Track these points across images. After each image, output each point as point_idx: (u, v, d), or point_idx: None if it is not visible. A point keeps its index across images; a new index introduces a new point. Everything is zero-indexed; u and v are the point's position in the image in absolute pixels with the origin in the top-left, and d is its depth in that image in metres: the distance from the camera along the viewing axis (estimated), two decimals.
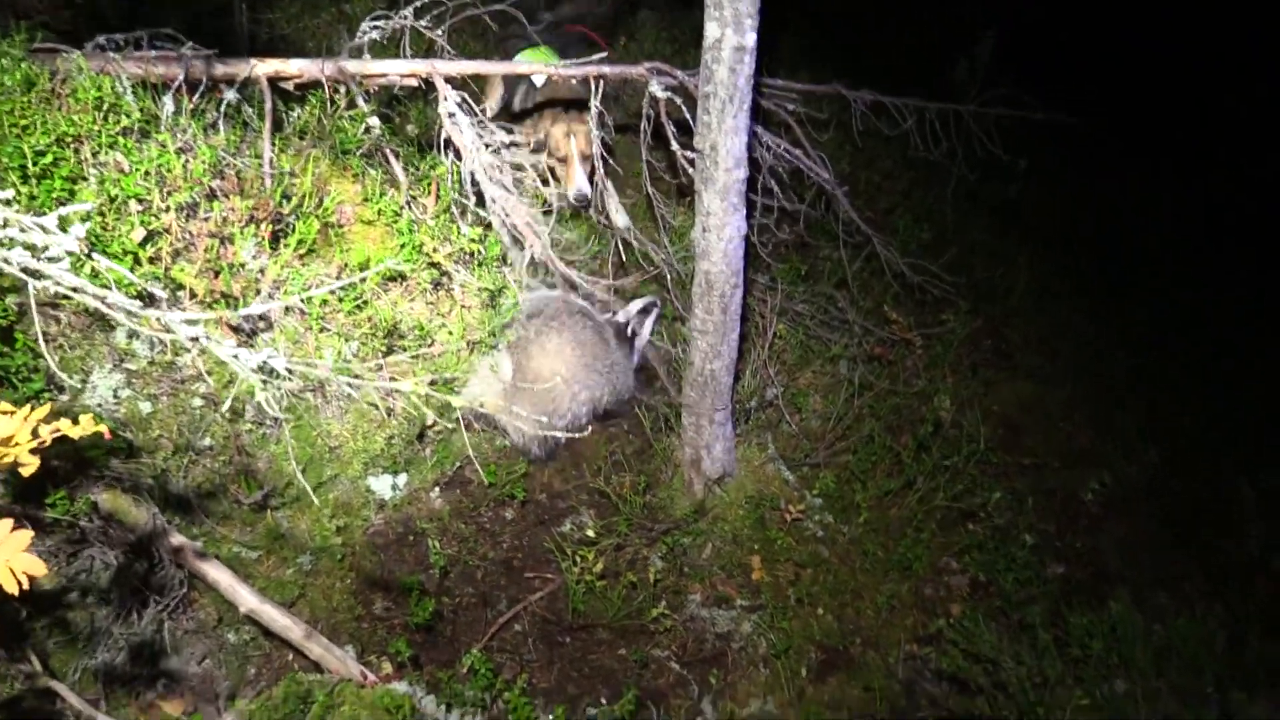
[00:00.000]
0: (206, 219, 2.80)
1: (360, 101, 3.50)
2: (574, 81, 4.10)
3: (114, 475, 2.57)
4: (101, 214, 2.61)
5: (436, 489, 3.57)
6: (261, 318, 2.96)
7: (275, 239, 3.09)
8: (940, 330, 4.27)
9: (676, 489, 3.53)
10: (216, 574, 2.76)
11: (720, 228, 2.92)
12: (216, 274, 2.79)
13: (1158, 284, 4.86)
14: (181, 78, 3.29)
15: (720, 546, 3.39)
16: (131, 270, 2.52)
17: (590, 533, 3.33)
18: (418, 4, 3.90)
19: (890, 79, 4.30)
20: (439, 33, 3.96)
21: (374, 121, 3.51)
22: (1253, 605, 3.41)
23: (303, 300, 3.04)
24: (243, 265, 2.86)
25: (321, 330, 3.07)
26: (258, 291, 2.87)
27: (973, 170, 4.47)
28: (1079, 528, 3.70)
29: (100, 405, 2.57)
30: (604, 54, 3.75)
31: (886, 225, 4.61)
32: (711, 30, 2.63)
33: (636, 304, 3.92)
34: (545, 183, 4.09)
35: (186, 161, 2.87)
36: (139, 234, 2.52)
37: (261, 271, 2.92)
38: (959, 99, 4.38)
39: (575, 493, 3.66)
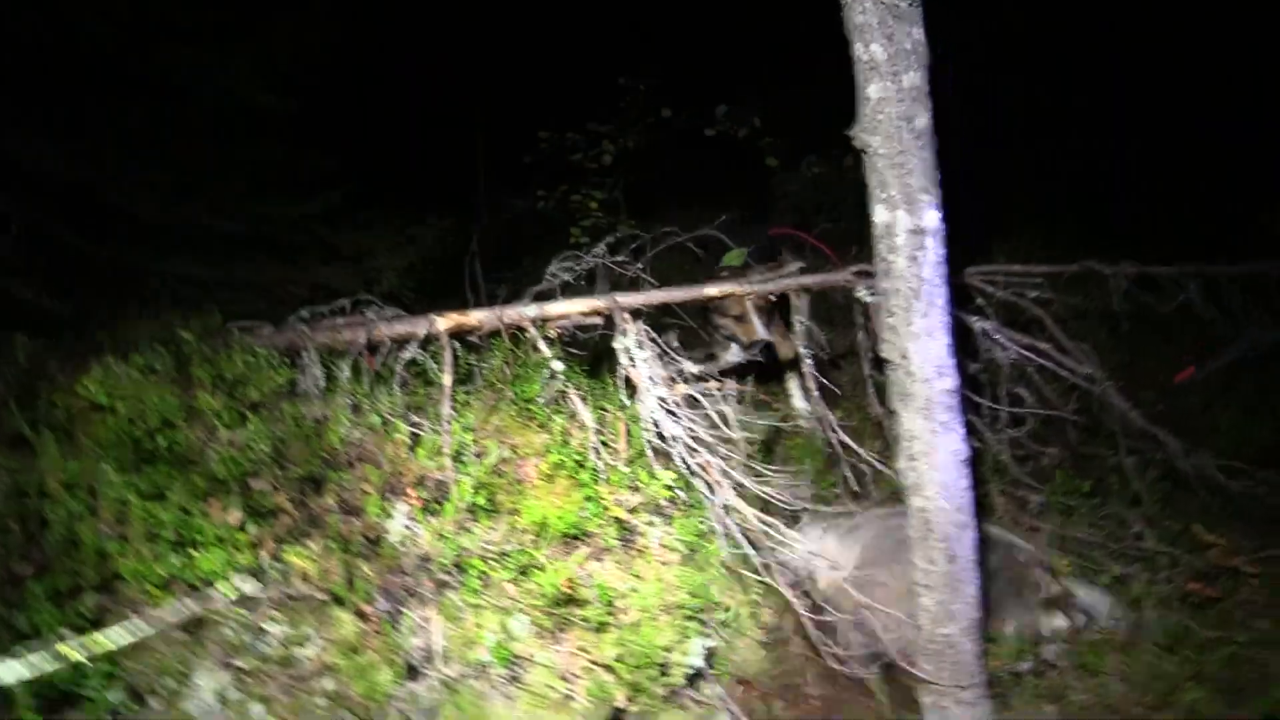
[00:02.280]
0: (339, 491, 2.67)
1: (543, 346, 3.38)
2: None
3: None
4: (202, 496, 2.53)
5: None
6: (410, 593, 2.73)
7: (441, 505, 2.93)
8: None
9: None
10: None
11: (929, 453, 2.44)
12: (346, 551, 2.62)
13: None
14: (363, 340, 3.35)
15: None
16: (228, 557, 2.39)
17: None
18: (611, 240, 3.86)
19: (1164, 247, 3.67)
20: (639, 266, 3.87)
21: (557, 366, 3.39)
22: None
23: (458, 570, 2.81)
24: (376, 540, 2.68)
25: (481, 606, 2.79)
26: (391, 569, 2.65)
27: None
28: None
29: (204, 711, 2.38)
30: (801, 264, 3.47)
31: (1202, 425, 3.81)
32: (880, 214, 2.28)
33: None
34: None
35: (320, 430, 2.79)
36: (235, 517, 2.40)
37: (405, 543, 2.72)
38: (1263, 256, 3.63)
39: None
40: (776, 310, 4.31)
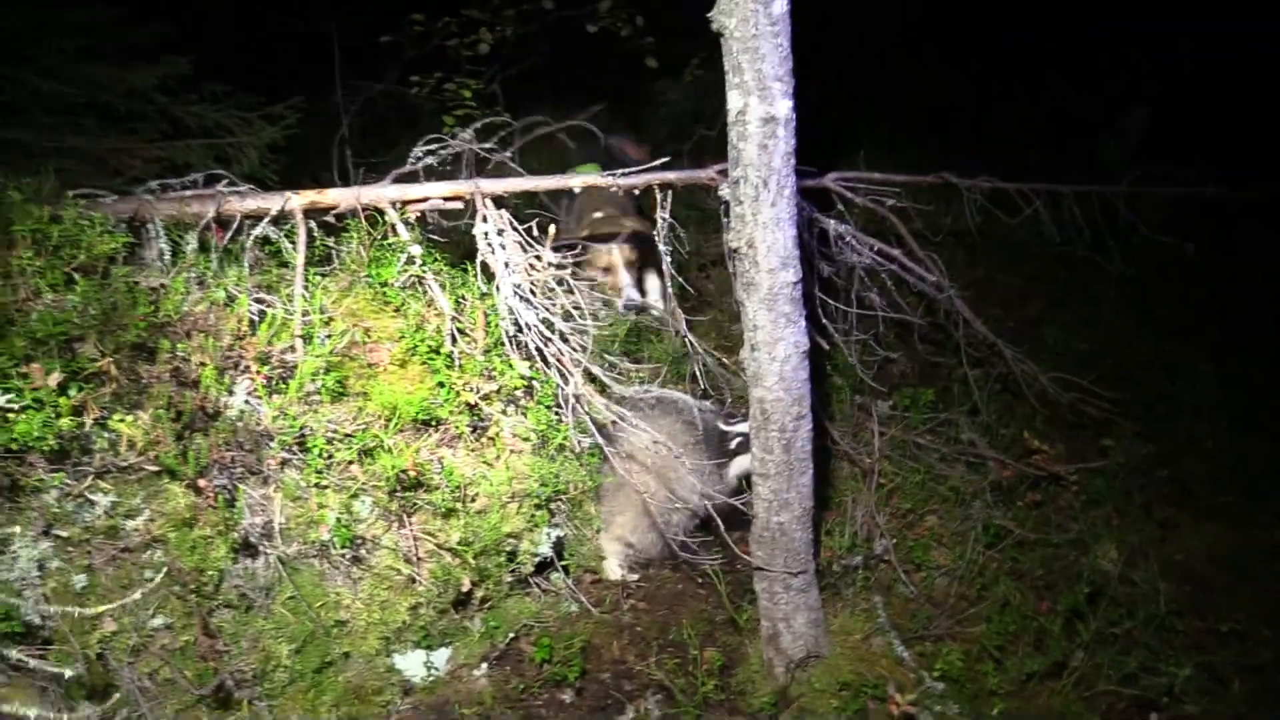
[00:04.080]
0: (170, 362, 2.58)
1: (401, 229, 3.31)
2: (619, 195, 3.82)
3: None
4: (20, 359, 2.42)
5: (484, 666, 3.18)
6: (250, 470, 2.69)
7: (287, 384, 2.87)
8: (1100, 463, 3.58)
9: (757, 670, 3.00)
10: None
11: (771, 344, 2.48)
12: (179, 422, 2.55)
13: None
14: (212, 214, 3.21)
15: None
16: (48, 422, 2.30)
17: None
18: (478, 125, 3.78)
19: (1021, 165, 3.80)
20: (506, 154, 3.81)
21: (415, 249, 3.31)
22: None
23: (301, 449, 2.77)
24: (214, 414, 2.61)
25: (324, 486, 2.76)
26: (229, 443, 2.60)
27: (1130, 265, 3.84)
28: None
29: (21, 579, 2.32)
30: (666, 159, 3.46)
31: (1031, 336, 4.00)
32: (734, 100, 2.28)
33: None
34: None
35: (156, 299, 2.69)
36: (55, 379, 2.30)
37: (243, 419, 2.66)
38: (1105, 181, 3.80)
39: (644, 672, 3.18)
40: (647, 260, 4.35)
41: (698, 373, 3.62)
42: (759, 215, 2.37)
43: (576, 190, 3.94)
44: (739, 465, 3.60)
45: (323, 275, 3.33)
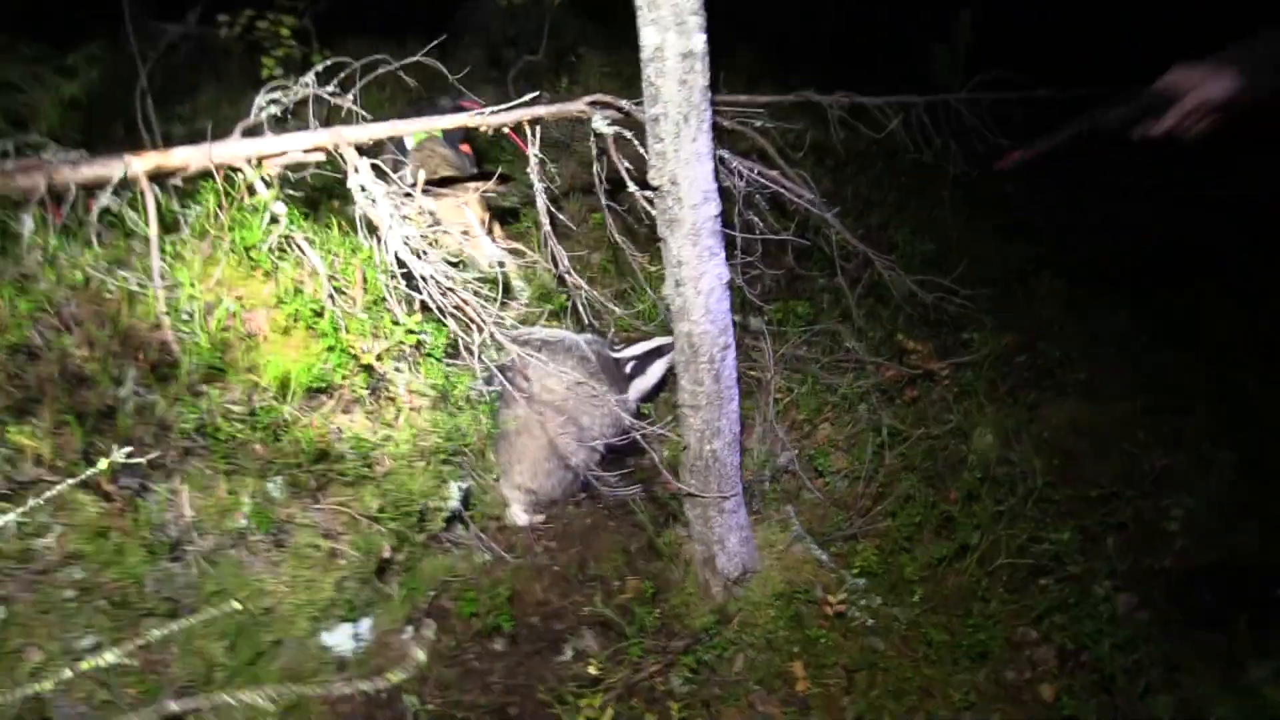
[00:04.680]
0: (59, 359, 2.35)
1: (261, 188, 3.08)
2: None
3: None
4: None
5: (409, 629, 3.11)
6: (154, 466, 2.50)
7: (172, 368, 2.66)
8: (967, 356, 3.83)
9: (692, 593, 3.09)
10: None
11: (696, 278, 2.50)
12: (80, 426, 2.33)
13: (1195, 266, 4.43)
14: (43, 187, 2.88)
15: (754, 657, 2.93)
16: None
17: (593, 669, 2.85)
18: (319, 69, 3.55)
19: (867, 80, 3.93)
20: (349, 98, 3.60)
21: (279, 208, 3.10)
22: None
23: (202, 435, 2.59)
24: (110, 411, 2.40)
25: (232, 471, 2.60)
26: (128, 440, 2.40)
27: (973, 167, 4.07)
28: (1169, 566, 3.24)
29: None
30: (535, 94, 3.37)
31: (882, 242, 4.20)
32: (649, 36, 2.24)
33: (642, 345, 3.69)
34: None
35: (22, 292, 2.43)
36: None
37: (141, 412, 2.46)
38: (945, 90, 4.00)
39: (573, 609, 3.21)
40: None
41: (579, 307, 3.60)
42: (680, 151, 2.36)
43: (411, 140, 3.80)
44: (637, 389, 3.65)
45: (178, 245, 3.08)
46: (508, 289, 4.09)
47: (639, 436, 3.05)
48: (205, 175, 3.09)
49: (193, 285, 2.84)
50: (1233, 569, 3.21)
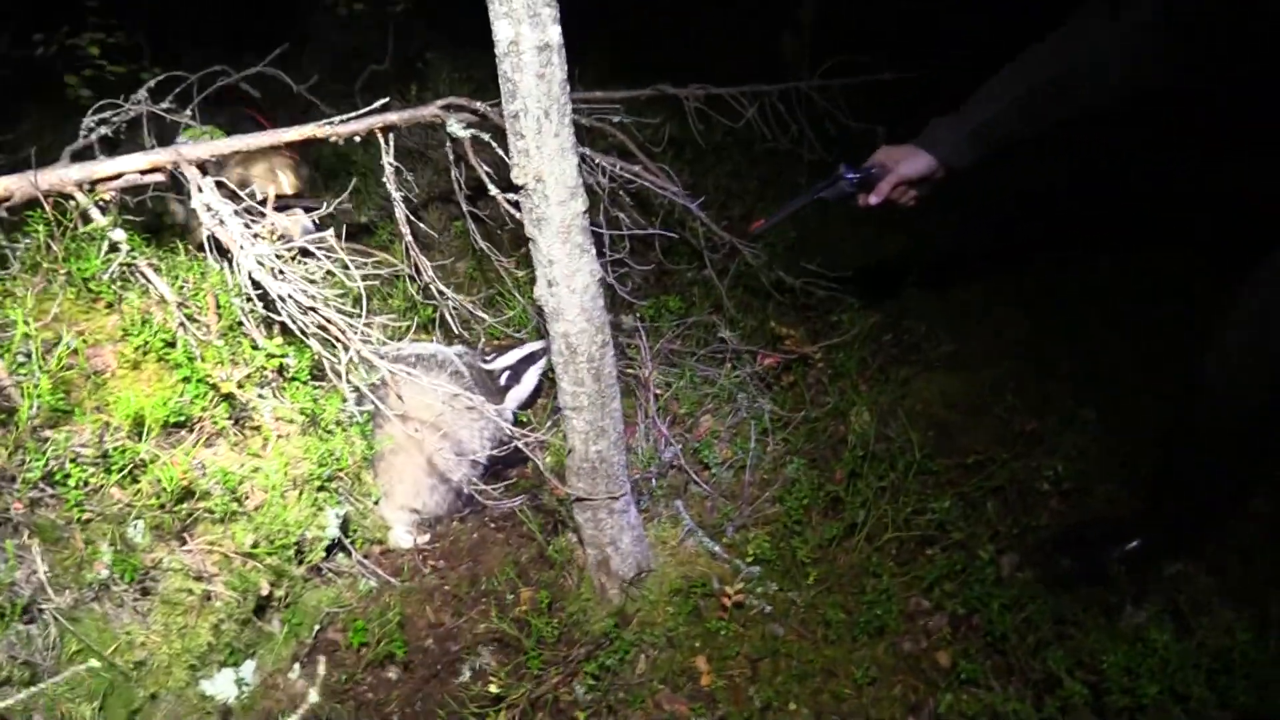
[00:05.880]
0: None
1: (96, 215, 2.89)
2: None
3: None
4: None
5: (296, 666, 2.98)
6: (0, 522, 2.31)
7: (10, 414, 2.46)
8: (837, 337, 3.90)
9: (588, 598, 3.04)
10: None
11: (569, 276, 2.45)
12: None
13: (1036, 234, 4.62)
14: None
15: (656, 656, 2.90)
16: None
17: (494, 688, 2.77)
18: (151, 85, 3.37)
19: (719, 72, 3.95)
20: (187, 114, 3.43)
21: (118, 235, 2.91)
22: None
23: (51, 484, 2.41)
24: None
25: (87, 520, 2.43)
26: None
27: (829, 152, 4.15)
28: (1046, 525, 3.36)
29: None
30: (385, 100, 3.27)
31: (743, 232, 4.24)
32: (503, 30, 2.17)
33: (515, 353, 3.63)
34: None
35: None
36: None
37: None
38: (795, 76, 4.07)
39: (468, 628, 3.12)
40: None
41: (448, 316, 3.51)
42: (544, 148, 2.30)
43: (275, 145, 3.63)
44: (514, 398, 3.58)
45: (5, 281, 2.86)
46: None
47: (521, 445, 3.00)
48: (33, 204, 2.88)
49: (27, 323, 2.63)
50: (1092, 526, 3.36)
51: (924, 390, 3.85)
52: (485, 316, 3.49)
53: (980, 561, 3.11)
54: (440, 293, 3.44)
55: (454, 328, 3.51)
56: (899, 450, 3.45)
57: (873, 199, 3.05)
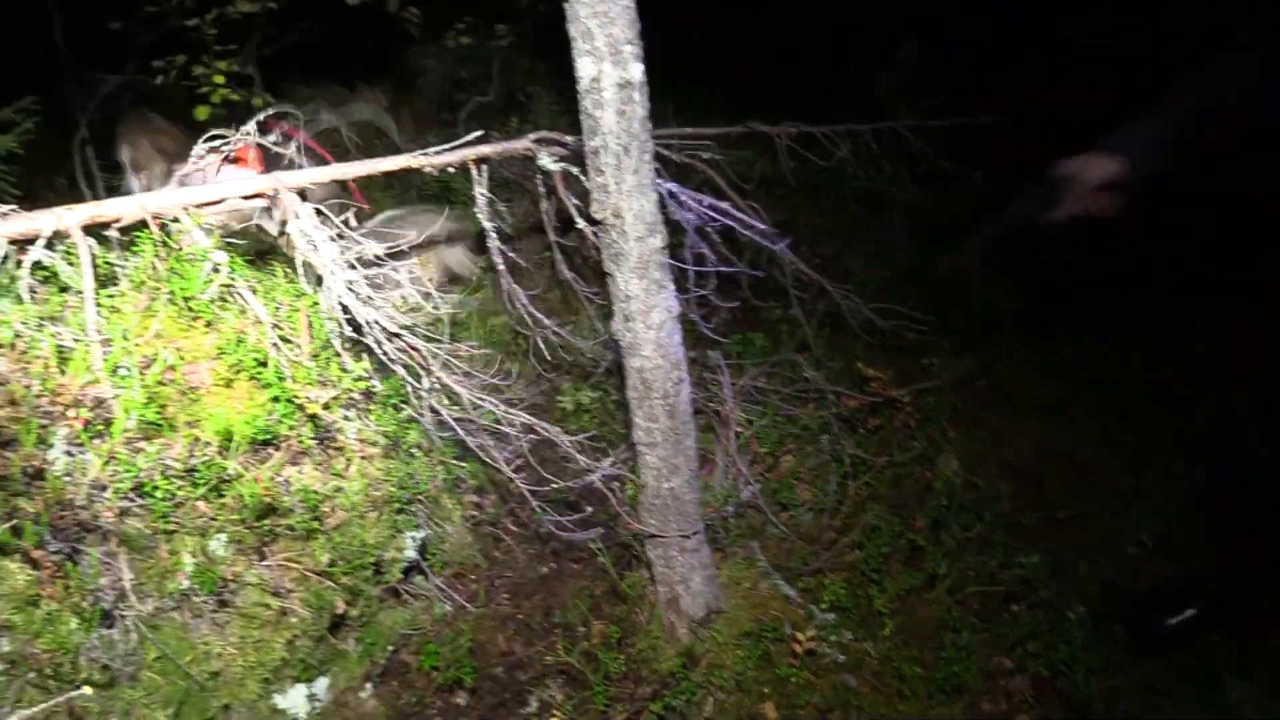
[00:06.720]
0: None
1: (200, 237, 3.01)
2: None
3: None
4: None
5: (368, 686, 3.02)
6: (87, 528, 2.39)
7: (107, 425, 2.56)
8: (927, 382, 3.81)
9: (657, 635, 3.01)
10: None
11: (645, 312, 2.45)
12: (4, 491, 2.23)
13: (1159, 283, 4.43)
14: None
15: (724, 700, 2.86)
16: None
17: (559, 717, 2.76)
18: (261, 117, 3.51)
19: (813, 110, 3.93)
20: (292, 147, 3.57)
21: (219, 257, 3.03)
22: None
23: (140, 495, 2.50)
24: (38, 473, 2.30)
25: (172, 531, 2.51)
26: (60, 503, 2.30)
27: (922, 192, 4.08)
28: (1141, 587, 3.21)
29: None
30: (480, 133, 3.34)
31: (837, 271, 4.19)
32: (586, 67, 2.20)
33: None
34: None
35: None
36: None
37: (72, 473, 2.36)
38: (891, 116, 4.02)
39: (537, 659, 3.12)
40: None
41: (540, 346, 3.55)
42: (622, 184, 2.32)
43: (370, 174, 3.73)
44: None
45: (114, 298, 3.00)
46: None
47: (597, 478, 3.00)
48: (142, 226, 3.02)
49: (128, 339, 2.75)
50: (1191, 589, 3.19)
51: (1016, 439, 3.73)
52: (580, 345, 3.52)
53: (1068, 622, 2.99)
54: (532, 319, 3.49)
55: (546, 356, 3.55)
56: (987, 500, 3.35)
57: (1062, 213, 2.69)
